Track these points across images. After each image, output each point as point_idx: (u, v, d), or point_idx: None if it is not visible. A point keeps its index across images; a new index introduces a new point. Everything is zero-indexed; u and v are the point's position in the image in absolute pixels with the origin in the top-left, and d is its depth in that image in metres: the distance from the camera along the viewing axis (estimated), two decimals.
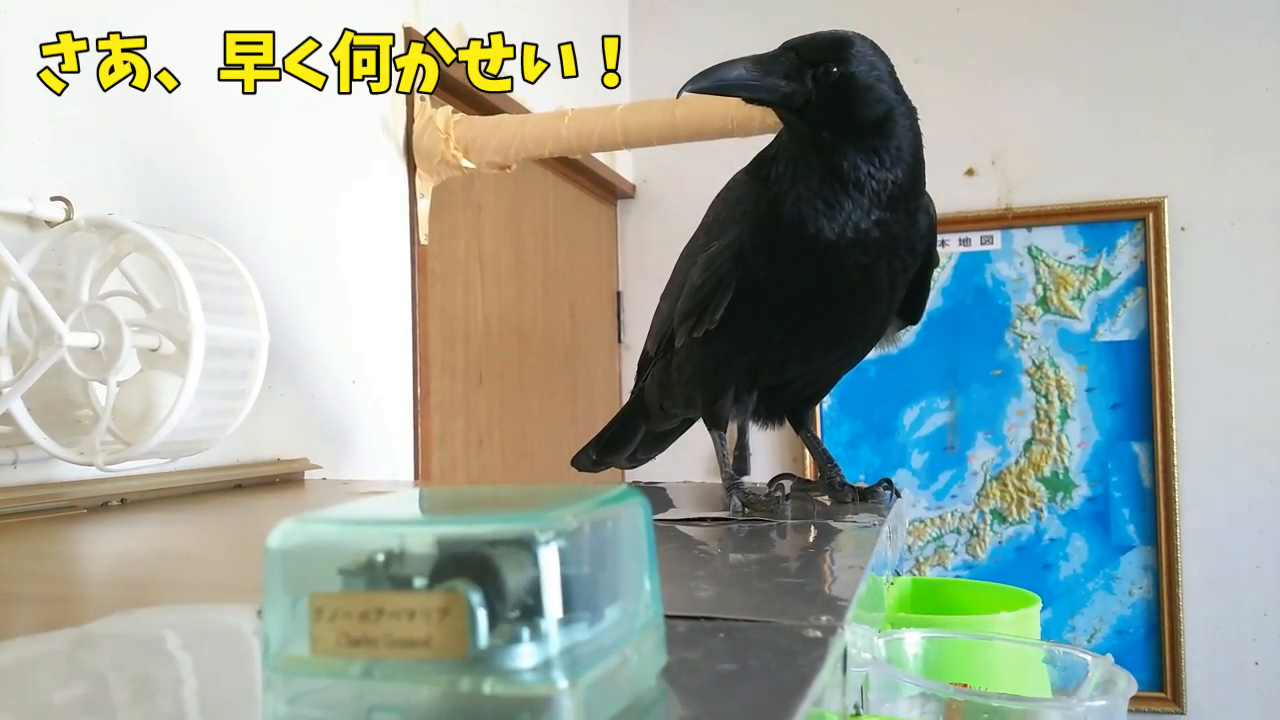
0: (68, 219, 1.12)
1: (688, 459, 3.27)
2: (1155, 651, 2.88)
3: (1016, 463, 3.02)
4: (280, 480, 1.48)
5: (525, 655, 0.33)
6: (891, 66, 1.01)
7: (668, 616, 0.50)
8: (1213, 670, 2.85)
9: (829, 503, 1.07)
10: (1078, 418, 2.96)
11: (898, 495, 1.08)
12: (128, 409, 1.03)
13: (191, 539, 1.01)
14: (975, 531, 3.04)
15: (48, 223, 1.12)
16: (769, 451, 3.15)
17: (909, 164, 0.98)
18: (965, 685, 0.70)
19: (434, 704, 0.33)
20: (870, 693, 0.64)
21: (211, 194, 1.44)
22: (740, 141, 1.71)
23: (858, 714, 0.55)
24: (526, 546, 0.33)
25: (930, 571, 3.08)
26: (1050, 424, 2.99)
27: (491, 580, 0.33)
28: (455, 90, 2.17)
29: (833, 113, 0.95)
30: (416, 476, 1.97)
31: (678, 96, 1.00)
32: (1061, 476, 2.98)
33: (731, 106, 1.66)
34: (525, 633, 0.33)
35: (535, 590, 0.33)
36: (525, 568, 0.33)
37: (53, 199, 1.13)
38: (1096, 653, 0.68)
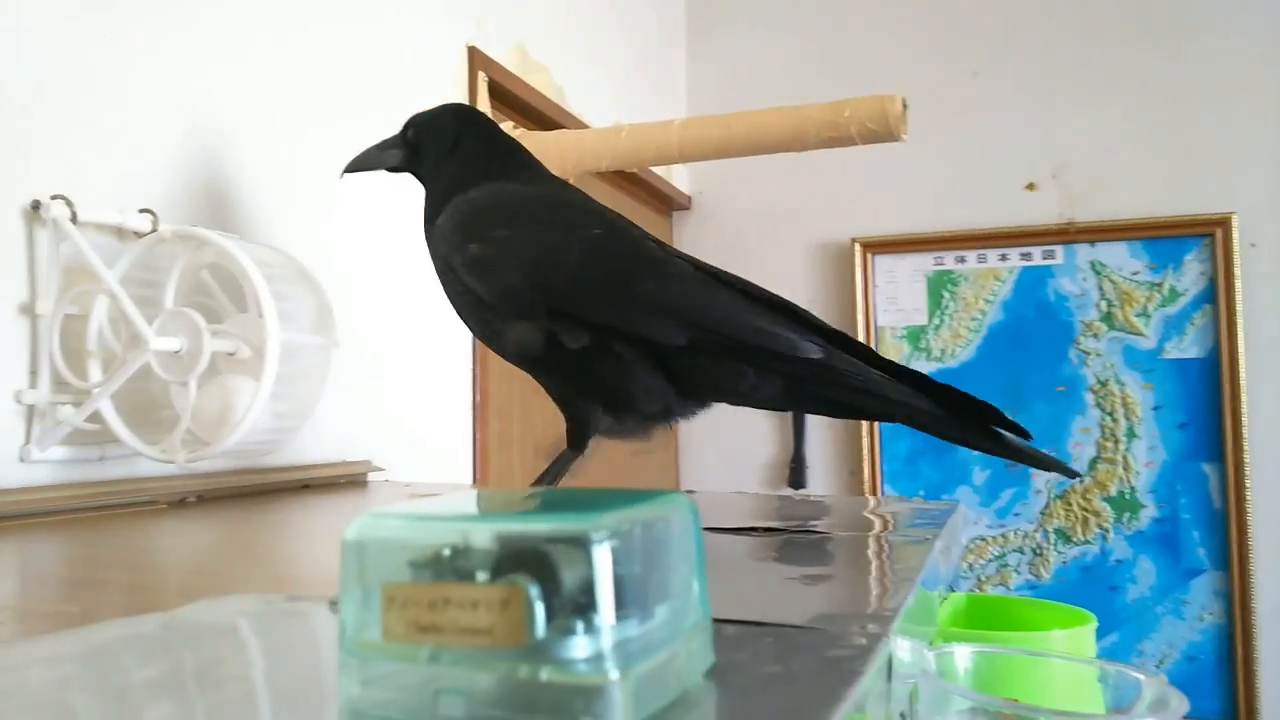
0: (154, 230, 1.16)
1: (745, 470, 3.30)
2: (1228, 679, 2.84)
3: (1081, 481, 3.00)
4: (345, 481, 1.52)
5: (580, 646, 0.35)
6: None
7: (718, 620, 0.53)
8: None
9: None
10: (1144, 436, 2.94)
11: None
12: (206, 410, 1.08)
13: (263, 535, 1.05)
14: (1039, 551, 3.02)
15: (136, 233, 1.17)
16: (821, 470, 3.17)
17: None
18: (1015, 700, 0.71)
19: (495, 688, 0.36)
20: (920, 704, 0.65)
21: (285, 206, 1.49)
22: (796, 155, 1.73)
23: None
24: (582, 545, 0.36)
25: (992, 591, 3.06)
26: (1116, 442, 2.97)
27: (549, 576, 0.36)
28: (514, 104, 2.22)
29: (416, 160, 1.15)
30: (475, 481, 2.01)
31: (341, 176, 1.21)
32: (1128, 496, 2.96)
33: (787, 121, 1.67)
34: (580, 625, 0.35)
35: (589, 586, 0.35)
36: (580, 565, 0.35)
37: (140, 211, 1.18)
38: (1151, 672, 0.69)
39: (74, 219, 1.09)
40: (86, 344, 1.11)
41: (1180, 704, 0.62)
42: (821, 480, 3.24)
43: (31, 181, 1.10)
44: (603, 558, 0.36)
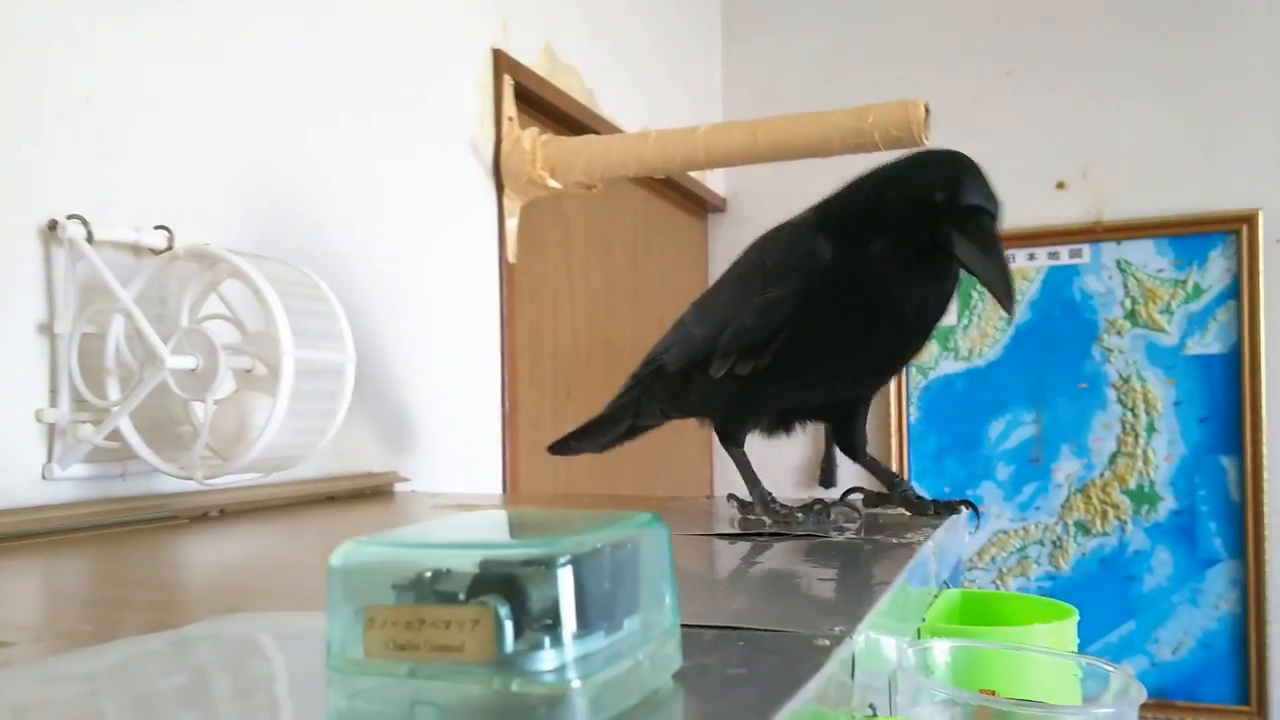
0: (169, 248, 1.19)
1: (777, 470, 3.32)
2: (1242, 665, 2.86)
3: (1101, 475, 3.02)
4: (371, 493, 1.54)
5: (546, 660, 0.38)
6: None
7: (696, 626, 0.56)
8: None
9: (907, 515, 1.12)
10: (1164, 431, 2.95)
11: (976, 516, 1.17)
12: (224, 427, 1.11)
13: (285, 549, 1.08)
14: (1059, 543, 3.05)
15: (152, 250, 1.20)
16: (851, 469, 3.18)
17: None
18: (993, 693, 0.74)
19: (468, 700, 0.39)
20: (897, 697, 0.68)
21: (303, 219, 1.50)
22: (824, 159, 1.75)
23: (874, 714, 0.60)
24: (548, 567, 0.39)
25: (1013, 582, 3.08)
26: (1136, 437, 2.99)
27: (518, 596, 0.39)
28: (542, 108, 2.23)
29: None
30: (505, 489, 2.03)
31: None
32: (1147, 489, 2.97)
33: (812, 127, 1.70)
34: (546, 640, 0.38)
35: (555, 605, 0.39)
36: (547, 586, 0.39)
37: (156, 228, 1.21)
38: (1118, 664, 0.72)
39: (90, 238, 1.11)
40: (105, 363, 1.13)
41: (1138, 693, 0.65)
42: (851, 480, 3.26)
43: (49, 201, 1.12)
44: (566, 579, 0.39)
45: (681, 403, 1.23)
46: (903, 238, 1.03)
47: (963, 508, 1.12)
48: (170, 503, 1.19)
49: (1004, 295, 0.98)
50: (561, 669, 0.38)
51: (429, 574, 0.40)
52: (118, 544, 1.02)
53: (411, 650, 0.40)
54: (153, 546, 1.02)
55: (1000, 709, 0.65)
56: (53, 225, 1.12)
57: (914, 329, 1.08)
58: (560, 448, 1.41)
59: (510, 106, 2.05)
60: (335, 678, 0.41)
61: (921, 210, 1.01)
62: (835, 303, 1.05)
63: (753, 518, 1.09)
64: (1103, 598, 3.00)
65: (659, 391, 1.25)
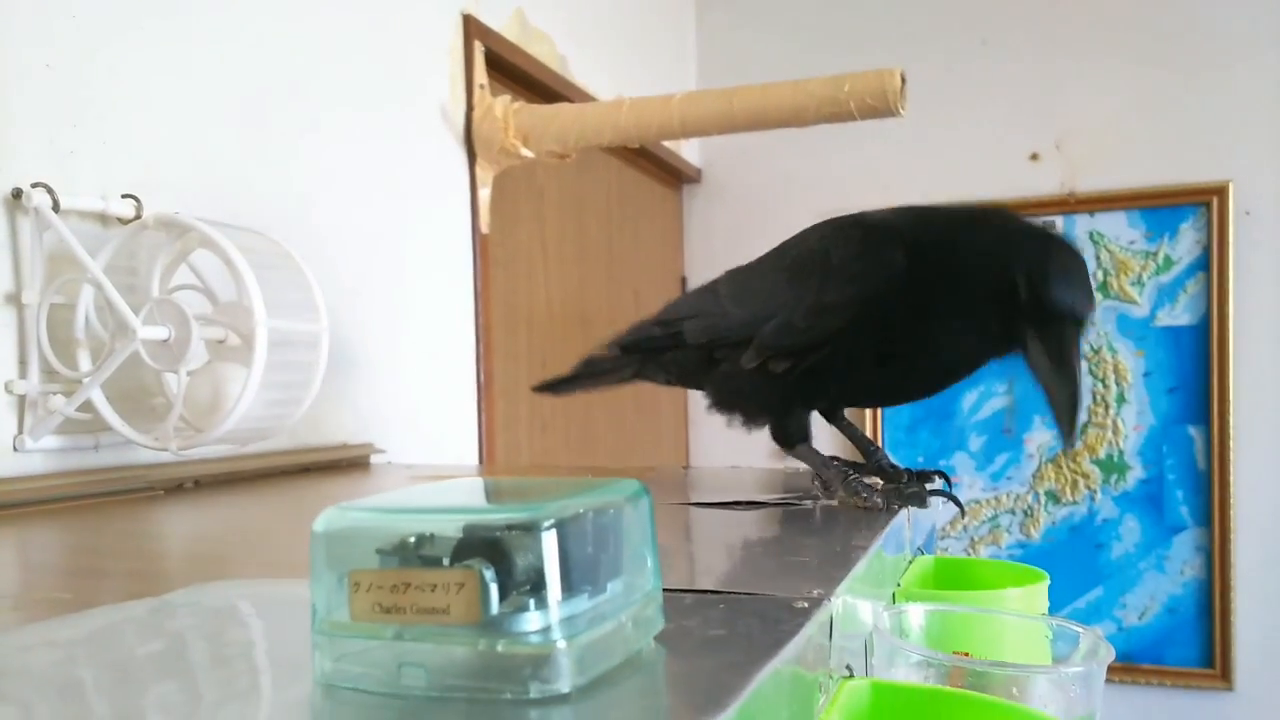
0: (137, 217, 1.18)
1: (751, 441, 3.33)
2: (1206, 630, 2.91)
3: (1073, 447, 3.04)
4: (346, 464, 1.54)
5: (531, 621, 0.39)
6: None
7: (677, 590, 0.56)
8: (1263, 649, 2.88)
9: (881, 484, 1.09)
10: (1134, 401, 2.98)
11: (956, 504, 1.07)
12: (198, 398, 1.10)
13: (260, 519, 1.07)
14: (1030, 512, 3.08)
15: (120, 220, 1.19)
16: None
17: None
18: (967, 654, 0.75)
19: (454, 660, 0.39)
20: (874, 659, 0.69)
21: (274, 188, 1.49)
22: (799, 130, 1.75)
23: (851, 675, 0.61)
24: (532, 532, 0.39)
25: (984, 550, 3.12)
26: (1106, 407, 3.01)
27: (503, 559, 0.39)
28: (514, 75, 2.21)
29: None
30: (481, 461, 2.03)
31: None
32: (1116, 459, 3.00)
33: (788, 96, 1.70)
34: (531, 603, 0.39)
35: (539, 568, 0.39)
36: (531, 549, 0.39)
37: (123, 197, 1.19)
38: (1088, 625, 0.73)
39: (56, 207, 1.10)
40: (74, 333, 1.12)
41: (1107, 653, 0.66)
42: (826, 450, 3.28)
43: (12, 169, 1.10)
44: (550, 542, 0.39)
45: (693, 380, 1.14)
46: (974, 315, 0.93)
47: (936, 477, 1.06)
48: (145, 474, 1.18)
49: (1067, 421, 0.88)
50: (546, 630, 0.39)
51: (413, 539, 0.41)
52: (93, 515, 1.02)
53: (397, 613, 0.40)
54: (128, 517, 1.02)
55: (974, 669, 0.66)
56: (17, 194, 1.10)
57: (956, 375, 1.00)
58: (548, 387, 1.32)
59: (481, 74, 2.03)
60: (321, 641, 0.42)
61: (1001, 298, 0.90)
62: (884, 332, 0.97)
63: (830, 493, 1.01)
64: (1072, 565, 3.03)
65: (669, 363, 1.16)
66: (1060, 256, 0.89)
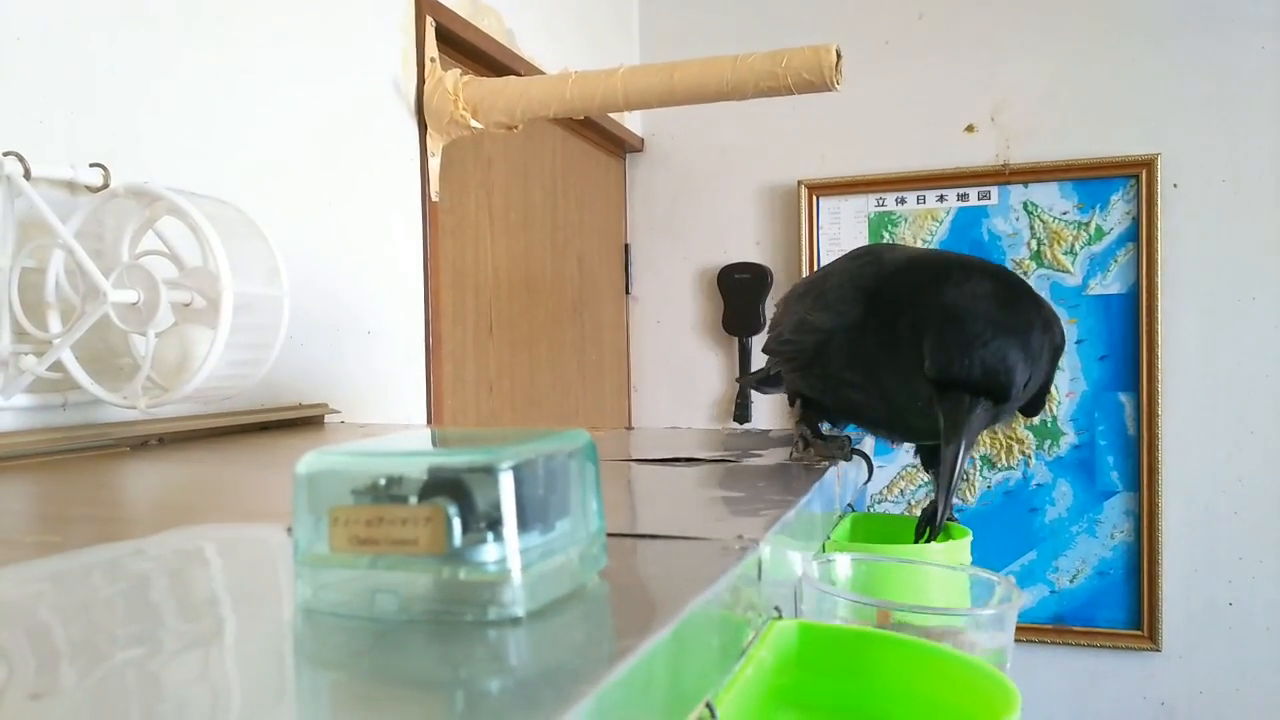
0: (105, 185, 1.21)
1: (693, 405, 3.40)
2: (1134, 592, 3.00)
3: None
4: (302, 423, 1.59)
5: (489, 552, 0.44)
6: None
7: (620, 535, 0.62)
8: (1188, 610, 2.97)
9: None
10: (1066, 369, 3.05)
11: (861, 457, 1.16)
12: (165, 358, 1.14)
13: (224, 472, 1.12)
14: (965, 477, 3.15)
15: (88, 188, 1.22)
16: (771, 400, 3.26)
17: None
18: (891, 600, 0.82)
19: (421, 587, 0.45)
20: (803, 604, 0.75)
21: (232, 158, 1.53)
22: (739, 103, 1.80)
23: (779, 616, 0.67)
24: (491, 473, 0.45)
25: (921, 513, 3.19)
26: None
27: (465, 497, 0.45)
28: (464, 49, 2.25)
29: None
30: (429, 421, 2.08)
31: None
32: (1049, 425, 3.08)
33: (727, 71, 1.74)
34: (489, 536, 0.45)
35: (497, 506, 0.45)
36: (490, 489, 0.45)
37: (91, 165, 1.23)
38: (1004, 576, 0.80)
39: (27, 175, 1.12)
40: (45, 296, 1.15)
41: (1019, 597, 0.73)
42: (766, 416, 3.35)
43: None
44: (507, 482, 0.45)
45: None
46: (907, 372, 0.96)
47: (847, 441, 1.11)
48: (111, 431, 1.22)
49: (941, 490, 0.91)
50: (502, 561, 0.44)
51: (384, 480, 0.46)
52: (63, 470, 1.06)
53: (371, 545, 0.46)
54: (97, 471, 1.06)
55: (896, 613, 0.72)
56: None
57: (907, 422, 1.05)
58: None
59: (432, 47, 2.07)
60: (303, 571, 0.47)
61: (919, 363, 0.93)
62: (849, 362, 1.04)
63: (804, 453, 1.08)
64: (1007, 529, 3.11)
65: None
66: (969, 323, 0.90)
